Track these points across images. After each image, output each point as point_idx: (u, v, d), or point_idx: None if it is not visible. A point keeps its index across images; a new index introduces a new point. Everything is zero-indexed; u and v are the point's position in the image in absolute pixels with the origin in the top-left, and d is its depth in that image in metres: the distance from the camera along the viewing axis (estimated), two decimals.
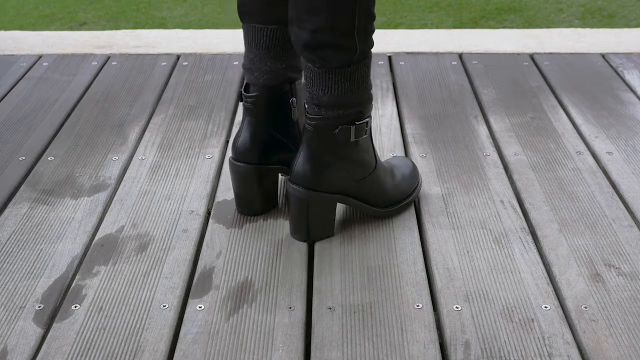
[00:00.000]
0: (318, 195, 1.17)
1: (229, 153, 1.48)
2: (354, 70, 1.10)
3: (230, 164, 1.25)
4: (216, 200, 1.33)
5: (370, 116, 1.17)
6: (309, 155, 1.15)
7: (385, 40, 2.07)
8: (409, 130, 1.57)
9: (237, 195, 1.27)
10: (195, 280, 1.13)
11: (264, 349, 0.99)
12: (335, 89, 1.11)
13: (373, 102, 1.23)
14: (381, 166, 1.24)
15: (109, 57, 1.98)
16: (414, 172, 1.31)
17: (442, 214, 1.28)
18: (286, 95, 1.22)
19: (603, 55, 1.95)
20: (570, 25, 2.92)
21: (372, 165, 1.21)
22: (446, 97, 1.72)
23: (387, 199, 1.25)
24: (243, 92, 1.22)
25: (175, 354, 0.99)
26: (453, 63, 1.91)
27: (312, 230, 1.20)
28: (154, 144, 1.52)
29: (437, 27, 2.93)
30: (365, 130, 1.16)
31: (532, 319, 1.04)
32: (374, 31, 1.12)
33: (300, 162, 1.16)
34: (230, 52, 2.00)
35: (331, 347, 0.99)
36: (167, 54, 1.99)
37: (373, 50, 1.96)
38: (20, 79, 1.85)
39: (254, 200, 1.26)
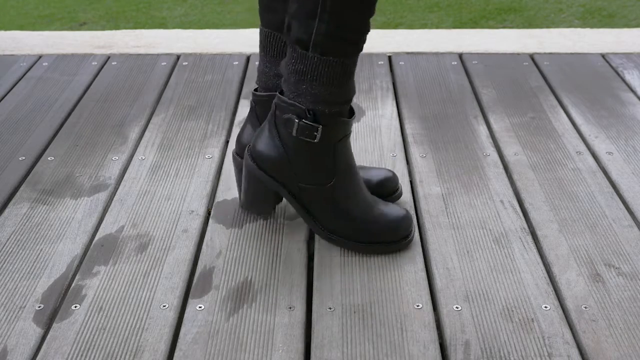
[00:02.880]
0: (256, 172, 1.16)
1: (229, 153, 1.48)
2: (310, 57, 1.06)
3: (234, 159, 1.25)
4: (216, 200, 1.33)
5: (328, 127, 1.10)
6: (262, 131, 1.15)
7: (385, 40, 2.07)
8: (409, 130, 1.57)
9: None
10: (195, 280, 1.13)
11: (264, 349, 0.99)
12: (292, 66, 1.08)
13: (355, 118, 1.10)
14: (345, 189, 1.15)
15: (109, 57, 1.98)
16: (395, 225, 1.17)
17: (442, 214, 1.28)
18: None
19: (603, 55, 1.95)
20: (570, 25, 2.92)
21: (324, 178, 1.14)
22: (446, 97, 1.72)
23: (336, 224, 1.16)
24: (253, 90, 1.24)
25: (175, 354, 0.99)
26: (453, 63, 1.91)
27: (247, 201, 1.20)
28: (154, 144, 1.52)
29: (437, 27, 2.93)
30: (313, 135, 1.10)
31: (532, 319, 1.04)
32: (354, 42, 1.07)
33: (256, 132, 1.17)
34: (230, 52, 2.00)
35: (331, 347, 0.99)
36: (167, 54, 1.99)
37: (373, 50, 1.98)
38: (20, 79, 1.85)
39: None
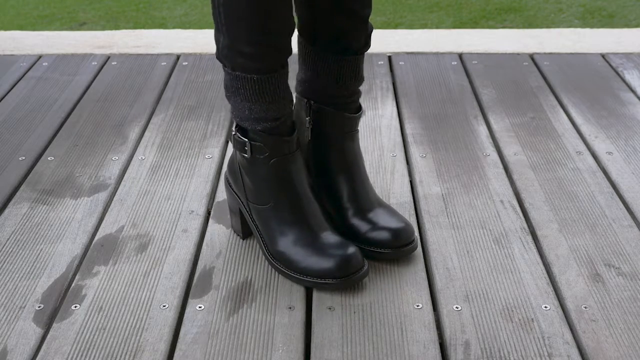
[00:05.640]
0: (228, 190, 1.20)
1: (229, 153, 1.48)
2: (226, 72, 1.06)
3: None
4: (216, 200, 1.33)
5: (257, 144, 1.08)
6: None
7: (385, 40, 2.07)
8: (409, 130, 1.57)
9: None
10: (195, 280, 1.13)
11: (264, 349, 0.99)
12: (223, 82, 1.10)
13: (292, 138, 1.09)
14: (285, 213, 1.10)
15: (109, 57, 1.98)
16: (331, 267, 1.07)
17: (442, 214, 1.28)
18: (305, 110, 1.17)
19: (603, 55, 1.95)
20: (570, 25, 2.92)
21: (263, 198, 1.11)
22: (446, 97, 1.72)
23: (275, 250, 1.11)
24: None
25: (175, 354, 0.99)
26: (453, 63, 1.91)
27: (233, 222, 1.23)
28: (154, 144, 1.52)
29: (437, 27, 2.93)
30: (245, 149, 1.09)
31: (532, 319, 1.04)
32: (252, 57, 1.03)
33: None
34: None
35: (331, 347, 0.99)
36: (167, 54, 1.99)
37: (373, 50, 1.98)
38: (20, 79, 1.85)
39: None
